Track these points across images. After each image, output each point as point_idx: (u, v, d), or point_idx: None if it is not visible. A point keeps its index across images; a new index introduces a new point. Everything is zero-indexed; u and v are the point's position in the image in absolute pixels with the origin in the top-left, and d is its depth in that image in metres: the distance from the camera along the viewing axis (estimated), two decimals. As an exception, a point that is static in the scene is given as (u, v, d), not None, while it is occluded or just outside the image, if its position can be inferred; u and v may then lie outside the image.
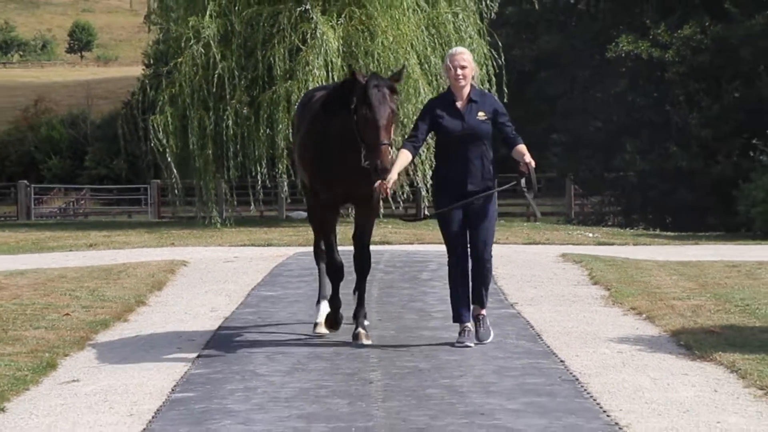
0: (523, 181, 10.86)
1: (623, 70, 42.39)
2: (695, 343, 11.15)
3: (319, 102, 11.52)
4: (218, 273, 17.90)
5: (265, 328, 12.60)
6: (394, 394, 9.20)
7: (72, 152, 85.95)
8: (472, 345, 11.00)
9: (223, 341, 11.82)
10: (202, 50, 28.04)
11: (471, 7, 29.95)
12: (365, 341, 11.19)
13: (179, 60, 28.83)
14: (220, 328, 12.70)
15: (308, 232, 18.53)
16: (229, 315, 13.59)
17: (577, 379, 9.75)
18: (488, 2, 30.47)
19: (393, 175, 10.63)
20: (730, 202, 31.89)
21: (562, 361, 10.56)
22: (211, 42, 27.88)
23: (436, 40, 28.89)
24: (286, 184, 31.22)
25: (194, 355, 11.12)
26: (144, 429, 8.33)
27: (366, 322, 11.58)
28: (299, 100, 13.68)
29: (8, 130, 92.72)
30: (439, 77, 28.43)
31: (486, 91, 11.01)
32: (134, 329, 12.90)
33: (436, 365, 10.37)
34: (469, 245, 11.16)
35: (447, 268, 11.25)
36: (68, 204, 67.17)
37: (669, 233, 32.34)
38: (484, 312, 11.32)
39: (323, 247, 11.94)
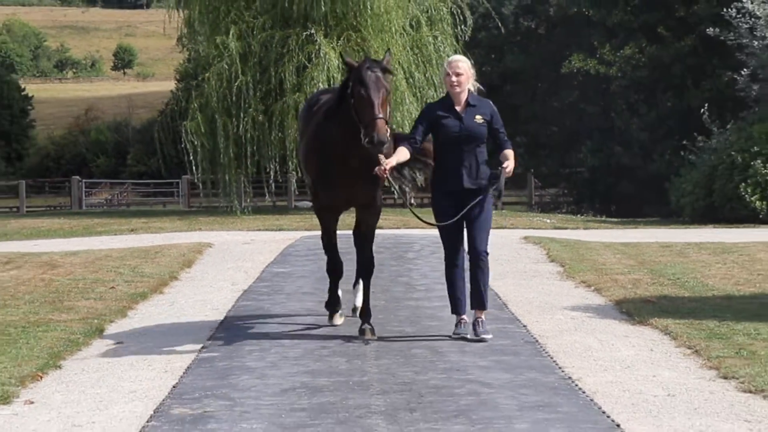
0: (493, 189, 9.71)
1: (575, 84, 42.39)
2: (635, 310, 11.10)
3: (323, 108, 10.22)
4: (238, 253, 17.76)
5: (277, 299, 12.50)
6: (385, 354, 9.17)
7: (116, 153, 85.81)
8: (469, 336, 9.72)
9: (242, 310, 11.75)
10: (226, 66, 27.87)
11: (448, 31, 29.86)
12: (369, 337, 9.82)
13: (207, 75, 28.73)
14: (239, 298, 12.61)
15: (313, 219, 18.46)
16: (247, 288, 13.48)
17: (537, 341, 9.71)
18: (462, 27, 30.29)
19: (392, 161, 9.43)
20: (664, 194, 31.79)
21: (524, 326, 10.50)
22: (234, 60, 27.75)
23: (419, 59, 28.83)
24: (294, 179, 31.17)
25: (218, 321, 11.07)
26: (177, 382, 8.28)
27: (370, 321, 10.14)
28: (305, 101, 12.31)
29: (63, 135, 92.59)
30: (421, 90, 28.43)
31: (483, 98, 9.95)
32: (168, 300, 12.81)
33: (419, 330, 10.32)
34: (466, 240, 9.86)
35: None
36: (113, 196, 66.97)
37: (613, 219, 32.28)
38: (483, 316, 9.83)
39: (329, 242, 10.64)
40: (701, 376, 8.32)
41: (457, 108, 9.73)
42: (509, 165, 9.55)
